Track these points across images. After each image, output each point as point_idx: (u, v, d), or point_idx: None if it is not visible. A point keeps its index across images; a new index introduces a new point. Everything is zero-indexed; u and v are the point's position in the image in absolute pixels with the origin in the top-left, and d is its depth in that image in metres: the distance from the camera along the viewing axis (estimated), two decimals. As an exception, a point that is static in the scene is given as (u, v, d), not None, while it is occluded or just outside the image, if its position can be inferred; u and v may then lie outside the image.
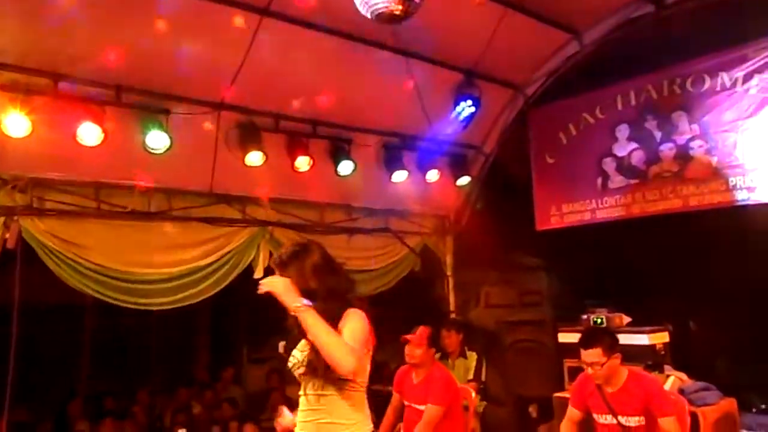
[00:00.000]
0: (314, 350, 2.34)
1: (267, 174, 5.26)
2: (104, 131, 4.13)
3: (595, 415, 3.70)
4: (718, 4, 4.91)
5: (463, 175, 6.35)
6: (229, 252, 5.23)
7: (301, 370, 2.43)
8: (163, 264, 4.93)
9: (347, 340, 2.31)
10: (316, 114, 5.40)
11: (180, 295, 5.01)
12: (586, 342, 3.61)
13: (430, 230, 6.79)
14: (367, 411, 2.47)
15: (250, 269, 5.36)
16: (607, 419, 3.62)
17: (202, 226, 5.12)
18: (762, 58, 4.84)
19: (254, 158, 4.95)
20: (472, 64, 5.70)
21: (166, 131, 4.42)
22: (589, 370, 3.61)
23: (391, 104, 5.66)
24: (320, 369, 2.33)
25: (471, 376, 5.47)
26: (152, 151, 4.43)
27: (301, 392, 2.48)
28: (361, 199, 6.04)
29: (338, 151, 5.52)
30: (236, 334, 8.35)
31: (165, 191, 4.94)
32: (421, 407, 4.20)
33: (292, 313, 2.33)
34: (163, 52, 4.31)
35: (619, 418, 3.55)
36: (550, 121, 6.26)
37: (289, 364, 2.51)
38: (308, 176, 5.39)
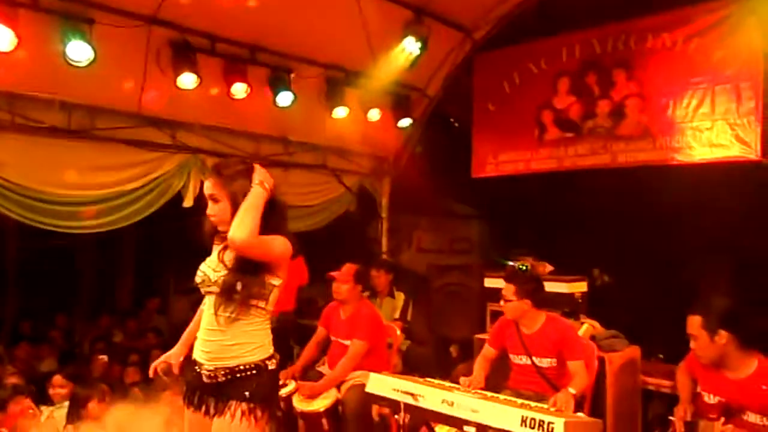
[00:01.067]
0: (233, 274, 2.35)
1: (200, 99, 5.00)
2: (18, 36, 3.77)
3: (511, 355, 3.88)
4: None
5: (404, 117, 6.28)
6: (156, 178, 5.00)
7: (214, 289, 2.40)
8: (84, 186, 4.68)
9: (261, 238, 2.31)
10: (256, 39, 5.14)
11: (103, 220, 4.80)
12: (507, 277, 3.89)
13: (368, 170, 6.74)
14: (269, 337, 2.50)
15: (179, 197, 5.18)
16: (522, 359, 3.80)
17: (128, 149, 4.85)
18: (703, 22, 4.93)
19: (187, 81, 4.69)
20: (423, 3, 5.54)
21: (90, 42, 4.08)
22: (501, 302, 3.83)
23: (336, 36, 5.44)
24: (238, 295, 2.33)
25: (397, 316, 5.59)
26: (73, 63, 4.09)
27: (209, 310, 2.43)
28: (300, 133, 5.88)
29: (278, 80, 5.30)
30: (163, 263, 8.15)
31: (87, 108, 4.62)
32: (347, 342, 4.27)
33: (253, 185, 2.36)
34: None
35: (534, 358, 3.73)
36: (495, 68, 6.24)
37: (198, 280, 2.48)
38: (245, 105, 5.18)
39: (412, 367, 5.22)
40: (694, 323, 3.07)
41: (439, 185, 6.82)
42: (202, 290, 2.49)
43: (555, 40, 5.80)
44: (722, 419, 2.96)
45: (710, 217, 4.97)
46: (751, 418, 2.92)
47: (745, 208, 4.90)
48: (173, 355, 2.77)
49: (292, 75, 5.39)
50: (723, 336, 2.99)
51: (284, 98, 5.29)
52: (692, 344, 3.12)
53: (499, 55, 6.20)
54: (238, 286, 2.32)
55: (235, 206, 2.35)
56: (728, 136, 4.82)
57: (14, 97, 4.29)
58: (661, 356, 5.08)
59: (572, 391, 3.41)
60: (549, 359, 3.72)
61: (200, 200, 5.24)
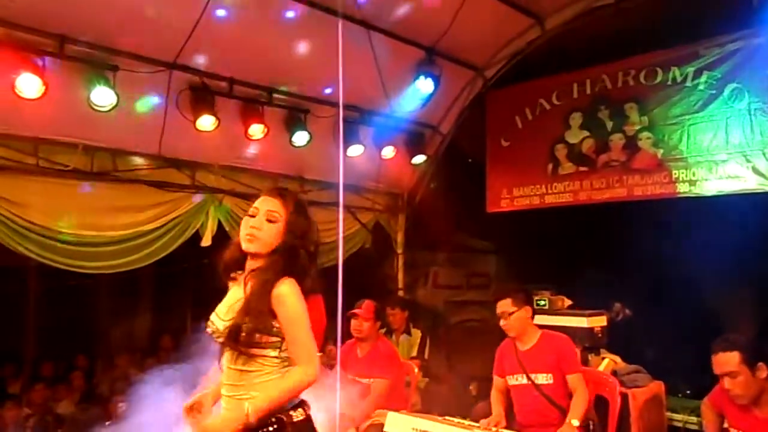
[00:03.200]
0: (241, 317, 2.11)
1: (219, 140, 5.13)
2: (45, 83, 3.92)
3: (508, 378, 3.80)
4: (674, 1, 5.02)
5: (418, 154, 6.35)
6: (175, 218, 5.10)
7: (221, 340, 2.18)
8: (105, 227, 4.77)
9: (296, 336, 2.10)
10: (272, 81, 5.27)
11: (122, 260, 4.88)
12: (498, 294, 3.84)
13: (383, 207, 6.79)
14: None
15: (197, 236, 5.26)
16: (518, 379, 3.73)
17: (148, 190, 4.96)
18: (712, 56, 4.99)
19: (206, 123, 4.81)
20: (434, 42, 5.67)
21: (113, 88, 4.23)
22: (502, 323, 3.76)
23: (350, 77, 5.53)
24: (241, 343, 2.10)
25: (414, 353, 5.54)
26: (97, 108, 4.24)
27: (224, 362, 2.20)
28: (315, 172, 5.97)
29: (294, 121, 5.42)
30: (181, 302, 8.18)
31: (110, 151, 4.76)
32: (366, 380, 4.22)
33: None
34: (112, 3, 4.11)
35: (531, 375, 3.66)
36: (508, 104, 6.32)
37: (208, 330, 2.23)
38: (262, 145, 5.30)
39: (431, 405, 5.14)
40: (733, 360, 2.87)
41: (454, 221, 6.82)
42: (216, 341, 2.22)
43: (565, 77, 5.88)
44: (752, 457, 2.87)
45: (730, 248, 4.91)
46: None
47: (764, 238, 4.85)
48: (208, 395, 2.37)
49: (308, 115, 5.51)
50: (764, 369, 2.85)
51: (300, 138, 5.39)
52: (729, 383, 2.90)
53: (511, 92, 6.29)
54: (242, 334, 2.08)
55: (289, 235, 2.20)
56: (744, 168, 4.81)
57: (39, 141, 4.43)
58: (688, 392, 4.96)
59: (575, 423, 3.33)
60: (545, 374, 3.63)
61: (217, 239, 5.33)
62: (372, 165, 6.16)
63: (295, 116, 5.44)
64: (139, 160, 4.93)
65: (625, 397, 4.00)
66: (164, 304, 8.25)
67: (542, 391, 3.63)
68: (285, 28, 4.89)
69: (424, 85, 5.61)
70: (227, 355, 2.19)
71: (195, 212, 5.21)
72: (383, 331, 4.93)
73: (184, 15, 4.42)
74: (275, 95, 5.34)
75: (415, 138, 6.40)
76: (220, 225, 5.35)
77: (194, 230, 5.23)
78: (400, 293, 6.81)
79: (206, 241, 5.26)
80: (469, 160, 6.88)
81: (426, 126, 6.56)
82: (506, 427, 3.63)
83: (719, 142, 4.95)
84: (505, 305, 3.74)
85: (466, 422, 3.72)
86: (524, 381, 3.70)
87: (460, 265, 7.74)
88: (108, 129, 4.54)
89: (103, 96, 4.20)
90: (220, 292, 2.51)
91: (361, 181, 6.32)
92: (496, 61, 6.28)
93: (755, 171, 4.75)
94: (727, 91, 4.91)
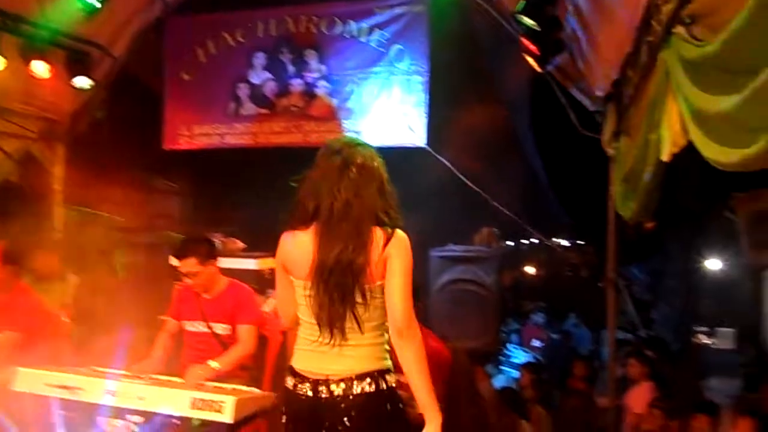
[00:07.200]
0: None
1: None
2: None
3: (185, 323, 3.68)
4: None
5: (81, 75, 5.50)
6: None
7: None
8: None
9: None
10: None
11: None
12: (181, 252, 3.56)
13: (36, 135, 5.78)
14: None
15: None
16: (196, 326, 3.64)
17: None
18: (383, 16, 5.38)
19: None
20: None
21: None
22: (188, 281, 3.59)
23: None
24: None
25: (69, 300, 4.97)
26: None
27: None
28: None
29: None
30: None
31: None
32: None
33: None
34: None
35: (211, 324, 3.60)
36: (190, 34, 5.92)
37: None
38: None
39: (86, 357, 4.68)
40: None
41: (131, 156, 6.21)
42: None
43: (251, 13, 5.74)
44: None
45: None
46: None
47: (418, 190, 5.51)
48: None
49: None
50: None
51: None
52: None
53: (194, 21, 5.90)
54: None
55: None
56: (401, 124, 5.37)
57: None
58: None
59: (214, 365, 3.35)
60: (224, 325, 3.62)
61: None
62: (18, 82, 5.13)
63: None
64: None
65: (285, 334, 4.19)
66: None
67: (221, 339, 3.58)
68: None
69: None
70: None
71: None
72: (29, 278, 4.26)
73: None
74: None
75: (77, 56, 5.50)
76: None
77: None
78: (58, 234, 5.98)
79: None
80: (147, 91, 6.29)
81: (92, 45, 5.70)
82: (162, 372, 3.47)
83: (384, 98, 5.42)
84: (190, 265, 3.49)
85: (115, 371, 3.43)
86: (203, 329, 3.59)
87: (137, 205, 7.17)
88: None
89: None
90: None
91: (4, 101, 5.24)
92: (179, -18, 5.77)
93: (410, 127, 5.34)
94: (392, 52, 5.37)
